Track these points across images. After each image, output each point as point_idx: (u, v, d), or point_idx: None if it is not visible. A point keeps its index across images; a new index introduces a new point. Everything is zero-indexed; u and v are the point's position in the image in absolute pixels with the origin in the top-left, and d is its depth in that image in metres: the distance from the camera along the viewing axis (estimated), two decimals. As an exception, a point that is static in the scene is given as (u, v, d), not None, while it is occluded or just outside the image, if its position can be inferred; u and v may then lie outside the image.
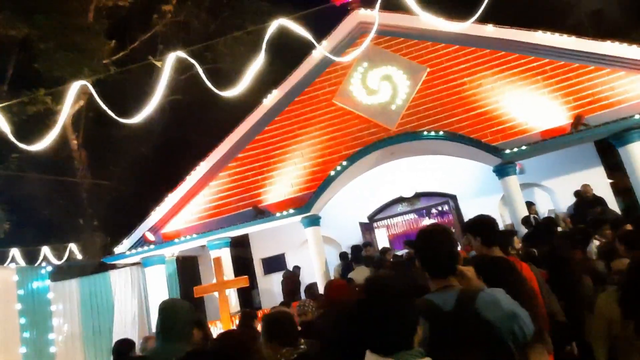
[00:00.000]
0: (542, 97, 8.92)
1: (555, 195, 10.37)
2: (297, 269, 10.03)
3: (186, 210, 10.09)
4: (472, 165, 9.91)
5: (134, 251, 9.66)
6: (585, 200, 8.52)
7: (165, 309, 2.69)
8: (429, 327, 1.66)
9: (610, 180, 10.12)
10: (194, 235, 9.53)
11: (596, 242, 5.48)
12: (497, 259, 2.43)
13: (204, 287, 9.21)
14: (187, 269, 11.56)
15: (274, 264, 11.03)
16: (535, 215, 8.04)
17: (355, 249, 8.46)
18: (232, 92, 6.46)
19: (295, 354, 2.46)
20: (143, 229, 9.85)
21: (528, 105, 8.94)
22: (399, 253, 8.98)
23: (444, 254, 1.91)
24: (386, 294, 1.51)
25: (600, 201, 8.40)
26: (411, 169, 11.18)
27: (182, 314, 2.65)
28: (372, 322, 1.49)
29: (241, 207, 9.71)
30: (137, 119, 6.60)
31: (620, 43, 8.42)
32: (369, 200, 11.66)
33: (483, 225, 2.86)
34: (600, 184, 9.51)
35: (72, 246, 12.43)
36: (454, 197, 11.11)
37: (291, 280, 9.61)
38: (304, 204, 9.11)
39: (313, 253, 9.41)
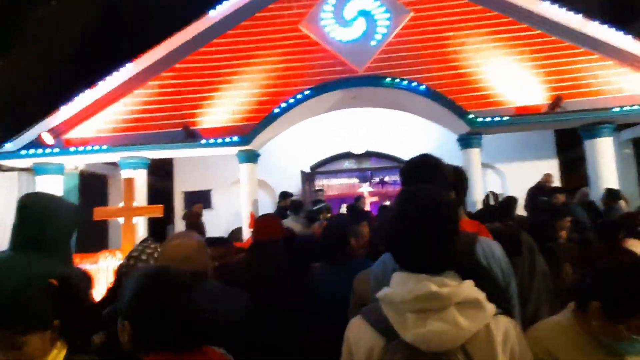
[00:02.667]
0: (524, 70, 8.16)
1: (506, 180, 9.95)
2: (197, 208, 8.71)
3: (100, 116, 8.35)
4: (434, 130, 9.10)
5: (24, 152, 7.87)
6: (541, 189, 8.05)
7: (34, 204, 1.88)
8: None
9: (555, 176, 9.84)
10: (105, 147, 7.91)
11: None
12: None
13: (107, 209, 7.82)
14: (93, 188, 9.88)
15: (198, 199, 9.66)
16: (494, 193, 7.42)
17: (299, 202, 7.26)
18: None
19: None
20: (41, 129, 8.02)
21: (508, 76, 8.15)
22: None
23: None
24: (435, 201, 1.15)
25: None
26: (367, 123, 10.23)
27: (61, 218, 1.89)
28: (418, 226, 1.11)
29: (168, 126, 8.17)
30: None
31: (624, 33, 7.80)
32: (315, 149, 10.59)
33: (462, 177, 1.98)
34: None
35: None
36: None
37: (189, 222, 8.37)
38: (244, 134, 7.81)
39: (244, 194, 8.24)
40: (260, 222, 2.90)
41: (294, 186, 10.01)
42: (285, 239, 2.84)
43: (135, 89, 8.38)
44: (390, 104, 8.40)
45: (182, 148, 7.96)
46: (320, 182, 11.06)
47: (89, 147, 7.90)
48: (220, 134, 7.97)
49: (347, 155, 10.80)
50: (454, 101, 7.54)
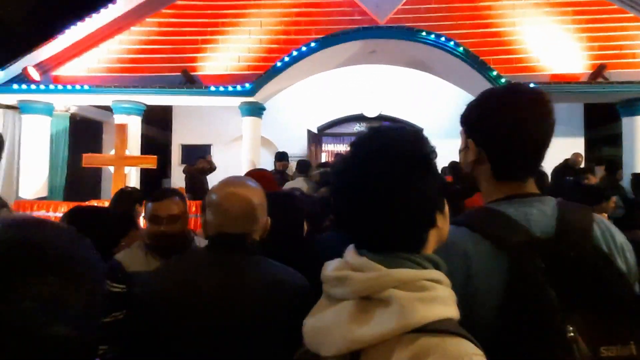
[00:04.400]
0: (563, 34, 7.32)
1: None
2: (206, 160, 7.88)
3: (92, 54, 7.60)
4: (454, 94, 8.32)
5: (9, 87, 7.20)
6: (570, 168, 7.37)
7: None
8: (507, 264, 0.88)
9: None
10: (96, 88, 7.22)
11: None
12: None
13: (97, 156, 7.25)
14: (85, 134, 9.26)
15: (197, 154, 9.03)
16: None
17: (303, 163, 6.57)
18: None
19: None
20: (27, 62, 7.30)
21: (545, 39, 7.31)
22: None
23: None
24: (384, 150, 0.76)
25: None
26: (382, 83, 9.47)
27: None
28: (355, 195, 0.77)
29: (166, 70, 7.43)
30: None
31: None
32: (324, 109, 9.87)
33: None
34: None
35: None
36: (419, 131, 9.63)
37: (194, 175, 7.62)
38: (250, 84, 7.09)
39: (246, 150, 7.60)
40: (254, 175, 2.39)
41: (300, 147, 9.38)
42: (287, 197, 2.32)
43: (131, 25, 7.59)
44: (412, 62, 7.62)
45: (180, 94, 7.26)
46: (328, 146, 10.41)
47: (78, 87, 7.19)
48: (223, 83, 7.24)
49: (359, 118, 10.08)
50: (487, 63, 6.75)
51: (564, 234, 0.92)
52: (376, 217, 0.75)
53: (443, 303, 0.70)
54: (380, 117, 9.94)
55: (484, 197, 1.06)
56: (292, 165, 6.96)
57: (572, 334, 0.83)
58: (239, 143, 8.11)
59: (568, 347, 0.82)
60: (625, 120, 7.29)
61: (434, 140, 0.83)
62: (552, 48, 7.28)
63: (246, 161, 7.43)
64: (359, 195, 0.76)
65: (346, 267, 0.77)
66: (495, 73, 6.76)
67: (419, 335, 0.67)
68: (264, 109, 7.75)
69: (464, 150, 1.07)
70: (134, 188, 3.88)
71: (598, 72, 6.86)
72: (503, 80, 6.73)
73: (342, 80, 9.31)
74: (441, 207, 0.80)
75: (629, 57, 7.15)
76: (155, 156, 6.85)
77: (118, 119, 7.34)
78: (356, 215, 0.77)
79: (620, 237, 1.03)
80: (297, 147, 9.35)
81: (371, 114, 9.84)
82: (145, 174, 7.85)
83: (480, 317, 0.87)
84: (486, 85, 6.88)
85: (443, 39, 6.66)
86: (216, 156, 9.73)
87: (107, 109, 7.97)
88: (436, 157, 0.80)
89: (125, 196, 3.41)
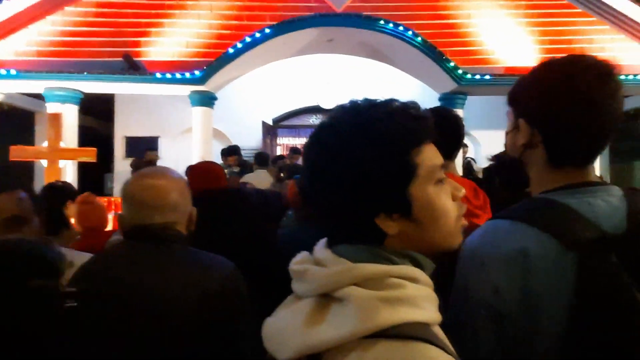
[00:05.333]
0: (517, 27, 7.41)
1: (481, 148, 9.40)
2: (152, 156, 7.37)
3: (20, 35, 6.84)
4: (413, 86, 8.26)
5: None
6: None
7: None
8: (575, 266, 0.76)
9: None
10: (25, 73, 6.50)
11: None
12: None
13: (28, 149, 6.63)
14: (15, 126, 8.40)
15: (143, 146, 8.44)
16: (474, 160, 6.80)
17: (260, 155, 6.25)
18: None
19: None
20: (-60, 43, 6.46)
21: (499, 32, 7.38)
22: None
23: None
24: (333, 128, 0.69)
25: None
26: (340, 74, 9.27)
27: None
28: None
29: (106, 54, 6.81)
30: None
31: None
32: (279, 100, 9.54)
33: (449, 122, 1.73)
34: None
35: None
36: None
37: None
38: (199, 72, 6.64)
39: (197, 143, 7.17)
40: (199, 168, 2.18)
41: (254, 139, 9.03)
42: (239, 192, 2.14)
43: (66, 5, 6.89)
44: (371, 52, 7.44)
45: (122, 81, 6.68)
46: (283, 139, 10.11)
47: (4, 72, 6.44)
48: (170, 70, 6.74)
49: (315, 110, 9.83)
50: (445, 54, 6.69)
51: (639, 230, 0.80)
52: (325, 200, 0.67)
53: (412, 304, 0.60)
54: (337, 109, 9.76)
55: (534, 187, 0.94)
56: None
57: None
58: (189, 135, 7.65)
59: None
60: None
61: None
62: (506, 41, 7.37)
63: (197, 154, 6.99)
64: (311, 175, 0.68)
65: (309, 260, 0.69)
66: (452, 64, 6.72)
67: (378, 340, 0.58)
68: (215, 98, 7.33)
69: (511, 132, 0.94)
70: (65, 182, 3.42)
71: (550, 65, 6.98)
72: (460, 71, 6.71)
73: (299, 70, 9.02)
74: (425, 194, 0.65)
75: (577, 52, 7.34)
76: (95, 149, 6.28)
77: (51, 107, 6.66)
78: (315, 201, 0.69)
79: None
80: (251, 140, 9.00)
81: (328, 105, 9.62)
82: (84, 168, 7.21)
83: (545, 325, 0.78)
84: (444, 77, 6.85)
85: (401, 28, 6.52)
86: (165, 149, 9.19)
87: (40, 97, 7.24)
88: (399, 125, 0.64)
89: (56, 192, 2.98)
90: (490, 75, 6.85)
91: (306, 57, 8.00)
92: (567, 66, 0.89)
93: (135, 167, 7.33)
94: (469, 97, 7.47)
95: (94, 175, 8.70)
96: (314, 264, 0.67)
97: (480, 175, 6.62)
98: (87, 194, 2.18)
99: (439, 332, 0.63)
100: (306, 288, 0.66)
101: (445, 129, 1.83)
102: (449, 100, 7.24)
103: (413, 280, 0.63)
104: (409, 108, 0.67)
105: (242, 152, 6.90)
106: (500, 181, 3.02)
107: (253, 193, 3.01)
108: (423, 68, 7.09)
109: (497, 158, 2.80)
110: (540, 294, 0.79)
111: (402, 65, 7.58)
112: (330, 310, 0.62)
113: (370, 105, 0.68)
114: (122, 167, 8.79)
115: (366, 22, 6.51)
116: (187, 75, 6.59)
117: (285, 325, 0.65)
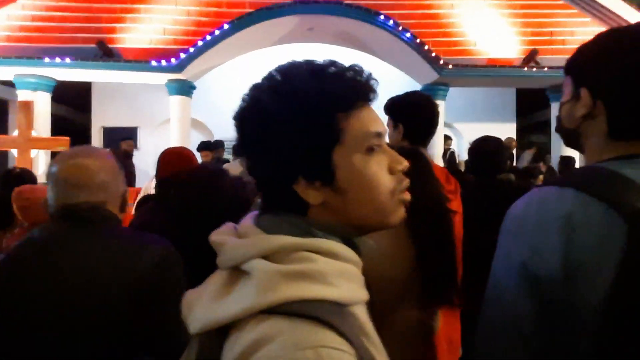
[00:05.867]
0: (499, 19, 7.37)
1: (463, 140, 9.40)
2: (127, 145, 7.29)
3: (-11, 20, 6.60)
4: (395, 77, 8.18)
5: None
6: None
7: None
8: (624, 235, 0.70)
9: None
10: (-7, 59, 6.28)
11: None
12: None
13: None
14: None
15: (121, 137, 8.26)
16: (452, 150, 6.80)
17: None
18: None
19: None
20: None
21: (481, 24, 7.33)
22: None
23: None
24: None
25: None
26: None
27: None
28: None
29: (79, 40, 6.60)
30: None
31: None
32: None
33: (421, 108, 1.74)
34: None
35: None
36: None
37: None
38: (176, 60, 6.48)
39: (175, 132, 7.03)
40: (169, 152, 2.11)
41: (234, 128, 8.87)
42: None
43: (37, -12, 6.66)
44: (353, 42, 7.33)
45: (96, 68, 6.49)
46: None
47: (-29, 57, 6.21)
48: (146, 57, 6.56)
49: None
50: (426, 44, 6.63)
51: None
52: (252, 167, 0.64)
53: (317, 280, 0.55)
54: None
55: (588, 158, 0.90)
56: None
57: None
58: (169, 126, 7.48)
59: None
60: (554, 106, 7.53)
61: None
62: (488, 32, 7.33)
63: (176, 144, 6.84)
64: (240, 138, 0.66)
65: (232, 232, 0.65)
66: (434, 55, 6.66)
67: (270, 316, 0.53)
68: (194, 87, 7.18)
69: (570, 102, 0.88)
70: (23, 169, 3.29)
71: (530, 57, 6.98)
72: (441, 62, 6.65)
73: (280, 59, 8.73)
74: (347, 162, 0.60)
75: (559, 44, 7.35)
76: (68, 137, 6.06)
77: (22, 95, 6.45)
78: (248, 168, 0.66)
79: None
80: (232, 131, 8.82)
81: (310, 96, 9.51)
82: (58, 158, 7.02)
83: (583, 296, 0.73)
84: (426, 69, 6.79)
85: (382, 17, 6.44)
86: (144, 140, 9.01)
87: (12, 84, 7.01)
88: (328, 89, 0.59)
89: (12, 179, 2.85)
90: (472, 66, 6.81)
91: (287, 46, 7.86)
92: (636, 33, 0.85)
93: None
94: (451, 90, 7.45)
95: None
96: (237, 236, 0.63)
97: (462, 168, 6.62)
98: (22, 188, 2.05)
99: (358, 312, 0.58)
100: (220, 260, 0.62)
101: (417, 113, 1.77)
102: (431, 91, 7.16)
103: (330, 255, 0.58)
104: (346, 70, 0.61)
105: (225, 143, 6.77)
106: (471, 166, 3.00)
107: (227, 173, 2.91)
108: (405, 59, 7.02)
109: (473, 143, 2.78)
110: (582, 262, 0.74)
111: (384, 55, 7.49)
112: (238, 284, 0.58)
113: (301, 65, 0.63)
114: (99, 157, 8.59)
115: (347, 10, 6.41)
116: (164, 63, 6.43)
117: (198, 298, 0.62)
